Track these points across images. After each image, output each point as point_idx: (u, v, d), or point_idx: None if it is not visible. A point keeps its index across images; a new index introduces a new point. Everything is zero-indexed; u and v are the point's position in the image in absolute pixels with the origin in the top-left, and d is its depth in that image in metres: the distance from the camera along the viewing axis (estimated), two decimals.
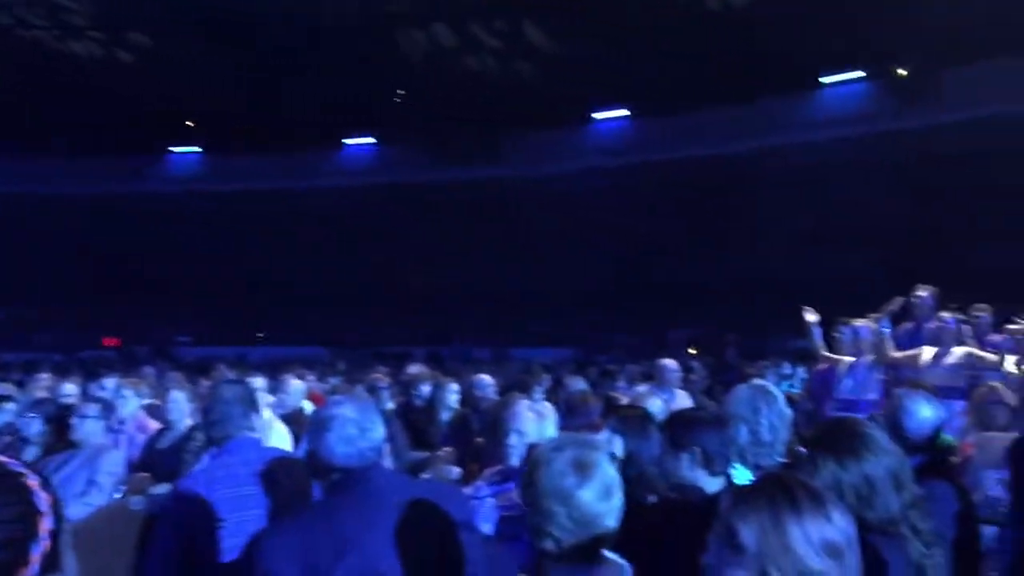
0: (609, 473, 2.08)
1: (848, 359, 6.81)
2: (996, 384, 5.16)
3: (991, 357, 6.40)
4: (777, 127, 20.83)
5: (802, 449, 3.16)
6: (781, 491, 1.63)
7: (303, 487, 3.15)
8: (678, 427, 2.99)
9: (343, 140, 28.02)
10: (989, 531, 3.49)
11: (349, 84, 22.76)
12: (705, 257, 19.62)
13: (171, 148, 29.42)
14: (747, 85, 20.55)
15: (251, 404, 3.37)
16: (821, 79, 21.06)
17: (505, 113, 23.48)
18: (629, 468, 3.37)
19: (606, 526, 2.05)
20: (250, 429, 3.31)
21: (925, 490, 2.92)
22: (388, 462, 2.80)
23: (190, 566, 2.87)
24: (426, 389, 7.45)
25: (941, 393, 5.98)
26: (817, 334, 7.14)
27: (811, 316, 7.14)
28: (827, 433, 2.70)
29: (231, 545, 2.88)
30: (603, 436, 3.49)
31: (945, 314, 6.70)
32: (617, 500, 2.08)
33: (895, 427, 3.35)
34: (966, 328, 7.24)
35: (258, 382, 5.32)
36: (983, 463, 4.24)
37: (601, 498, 2.04)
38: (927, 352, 6.61)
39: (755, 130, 20.92)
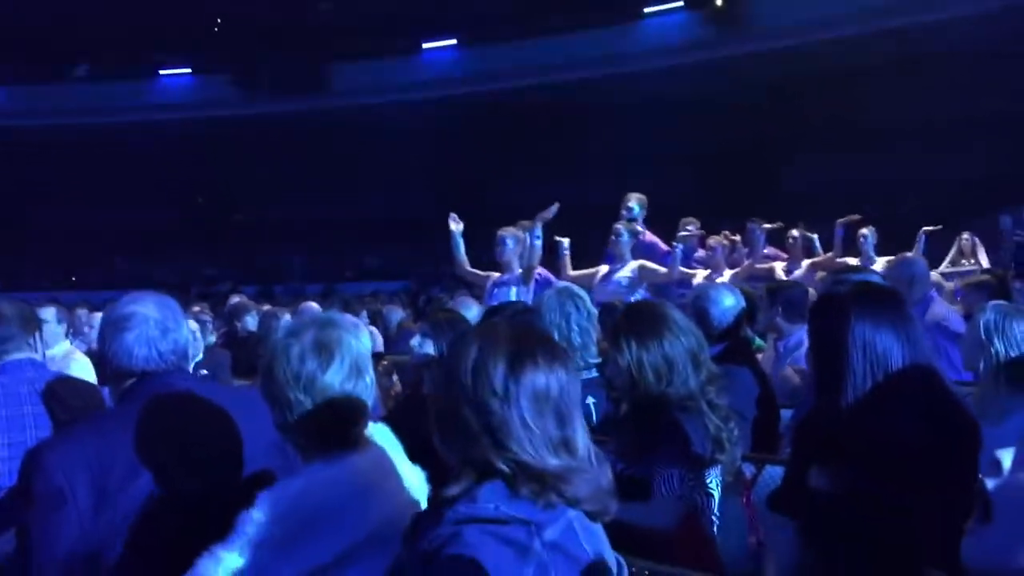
0: (355, 349, 1.92)
1: (496, 275, 6.45)
2: None
3: (662, 270, 6.45)
4: (603, 57, 21.08)
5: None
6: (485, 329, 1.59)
7: (94, 408, 2.95)
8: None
9: (160, 71, 26.42)
10: (787, 414, 3.68)
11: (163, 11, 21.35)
12: (533, 186, 19.81)
13: None
14: (574, 16, 20.67)
15: (30, 323, 3.10)
16: (645, 9, 21.37)
17: (331, 43, 22.75)
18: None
19: (358, 406, 1.92)
20: (30, 348, 3.06)
21: (728, 374, 3.03)
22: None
23: None
24: (250, 320, 7.25)
25: (605, 309, 6.34)
26: (458, 247, 6.59)
27: (455, 225, 6.56)
28: (630, 316, 2.75)
29: (11, 468, 2.67)
30: (415, 341, 3.45)
31: (619, 226, 6.60)
32: (369, 378, 1.94)
33: (700, 315, 3.46)
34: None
35: (49, 312, 4.91)
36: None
37: (348, 378, 1.90)
38: (603, 269, 6.57)
39: (581, 60, 21.11)
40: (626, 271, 6.37)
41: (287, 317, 7.27)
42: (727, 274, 6.83)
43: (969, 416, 2.12)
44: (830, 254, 7.47)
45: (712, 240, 7.31)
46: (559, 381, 1.47)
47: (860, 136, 16.68)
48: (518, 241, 6.33)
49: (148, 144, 24.26)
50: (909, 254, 6.17)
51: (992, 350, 2.90)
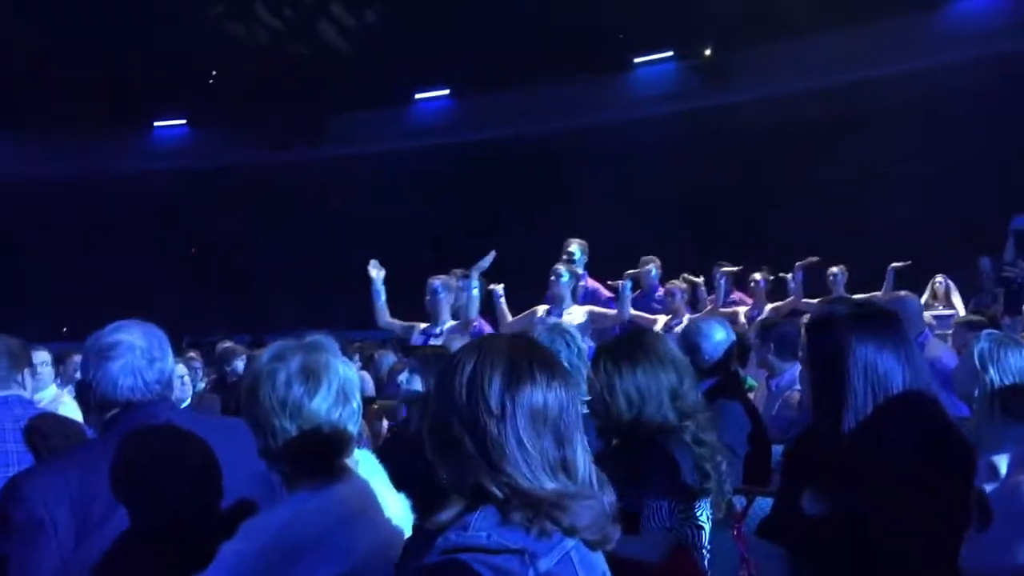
0: (342, 374, 1.88)
1: (422, 325, 6.12)
2: None
3: (611, 313, 6.20)
4: (593, 106, 21.30)
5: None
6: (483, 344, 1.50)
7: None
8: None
9: (155, 122, 26.60)
10: (778, 450, 3.65)
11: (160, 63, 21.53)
12: (526, 233, 19.90)
13: None
14: (564, 65, 20.89)
15: (19, 360, 3.08)
16: (635, 60, 21.59)
17: (326, 94, 22.95)
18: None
19: (344, 435, 1.86)
20: (19, 385, 3.03)
21: (719, 409, 3.02)
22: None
23: None
24: (240, 364, 7.22)
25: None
26: (379, 295, 6.21)
27: (375, 271, 6.19)
28: (617, 340, 2.74)
29: None
30: (402, 377, 3.44)
31: (559, 267, 6.34)
32: (356, 403, 1.89)
33: (691, 349, 3.45)
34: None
35: (43, 355, 4.90)
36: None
37: (335, 405, 1.85)
38: (540, 310, 6.29)
39: (571, 109, 21.32)
40: (578, 317, 5.95)
41: None
42: (686, 319, 6.38)
43: (967, 442, 2.09)
44: (791, 298, 7.35)
45: (671, 284, 7.10)
46: (558, 399, 1.41)
47: (848, 185, 16.79)
48: (449, 290, 6.03)
49: (143, 195, 24.36)
50: (903, 292, 6.13)
51: (987, 378, 2.89)
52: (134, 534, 1.96)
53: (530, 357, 1.44)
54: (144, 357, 2.15)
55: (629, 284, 6.30)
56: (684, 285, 7.17)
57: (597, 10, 18.58)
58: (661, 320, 6.69)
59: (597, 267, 7.36)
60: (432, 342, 5.63)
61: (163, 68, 21.78)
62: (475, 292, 5.79)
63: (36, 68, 21.38)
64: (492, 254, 5.97)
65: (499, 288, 6.31)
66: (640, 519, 2.40)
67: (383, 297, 6.20)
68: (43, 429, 2.77)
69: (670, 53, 20.76)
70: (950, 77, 16.49)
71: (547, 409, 1.39)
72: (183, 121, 26.29)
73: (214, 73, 24.08)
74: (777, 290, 7.85)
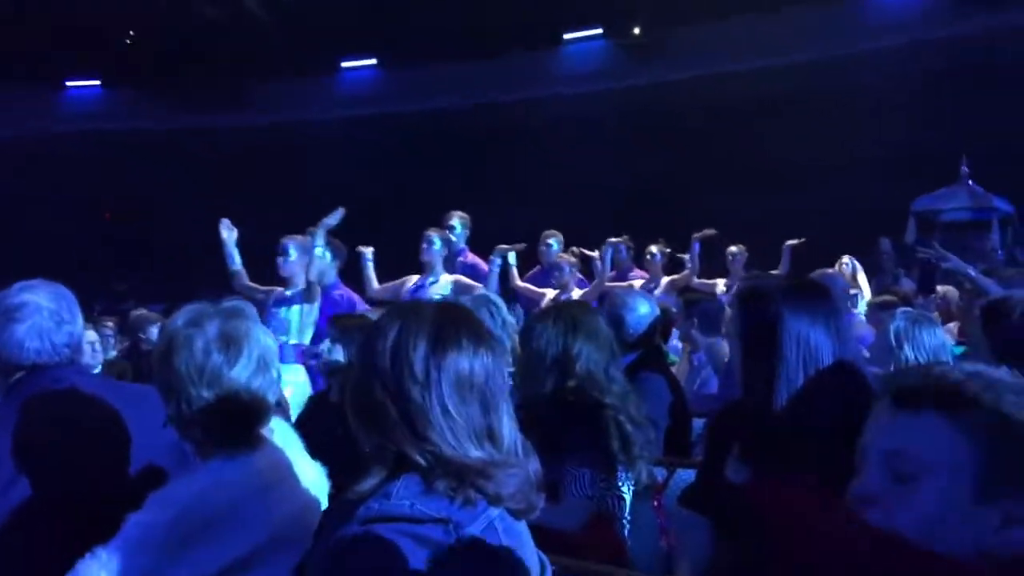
0: (262, 343, 1.82)
1: (278, 289, 5.62)
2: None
3: (478, 286, 5.81)
4: (520, 81, 21.23)
5: None
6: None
7: None
8: None
9: (67, 82, 25.64)
10: (699, 423, 3.68)
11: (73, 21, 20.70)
12: (466, 205, 19.76)
13: None
14: (494, 40, 20.78)
15: None
16: (564, 36, 21.55)
17: (247, 60, 22.40)
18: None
19: (263, 404, 1.80)
20: None
21: (642, 382, 3.03)
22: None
23: None
24: (154, 331, 7.04)
25: None
26: (230, 254, 5.75)
27: (227, 232, 5.71)
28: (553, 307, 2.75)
29: None
30: (324, 346, 3.37)
31: (431, 232, 6.09)
32: (275, 372, 1.84)
33: (616, 322, 3.44)
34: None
35: None
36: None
37: (255, 374, 1.79)
38: (411, 279, 6.05)
39: (501, 84, 21.22)
40: (441, 287, 5.74)
41: None
42: (576, 293, 6.37)
43: None
44: (686, 272, 7.19)
45: (559, 257, 6.79)
46: (484, 366, 1.39)
47: (777, 167, 16.96)
48: (304, 250, 5.43)
49: (54, 158, 23.51)
50: (830, 270, 6.14)
51: (902, 356, 2.94)
52: (37, 501, 1.88)
53: (456, 324, 1.41)
54: (52, 319, 2.06)
55: (498, 259, 6.04)
56: (573, 259, 6.86)
57: None
58: (550, 294, 6.50)
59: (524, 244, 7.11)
60: (283, 308, 5.36)
61: (77, 27, 21.01)
62: (318, 251, 5.30)
63: None
64: (340, 211, 5.49)
65: (368, 251, 6.03)
66: (561, 487, 2.39)
67: (237, 259, 5.72)
68: None
69: (599, 31, 20.78)
70: (888, 62, 16.77)
71: (473, 376, 1.37)
72: (97, 82, 25.41)
73: (131, 33, 23.32)
74: (676, 264, 7.65)
